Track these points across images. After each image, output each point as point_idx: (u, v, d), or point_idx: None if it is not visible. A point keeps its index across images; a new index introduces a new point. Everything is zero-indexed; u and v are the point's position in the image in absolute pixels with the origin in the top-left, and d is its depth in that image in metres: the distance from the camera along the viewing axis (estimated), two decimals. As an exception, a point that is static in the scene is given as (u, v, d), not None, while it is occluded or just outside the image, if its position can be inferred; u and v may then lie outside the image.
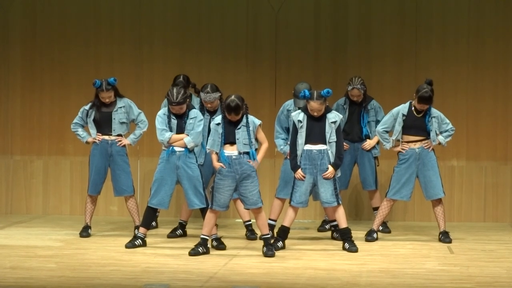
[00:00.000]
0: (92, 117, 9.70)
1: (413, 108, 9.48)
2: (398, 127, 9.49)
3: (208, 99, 9.60)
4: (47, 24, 11.75)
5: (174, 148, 9.00)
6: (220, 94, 9.64)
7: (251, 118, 8.68)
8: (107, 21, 11.71)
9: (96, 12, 11.73)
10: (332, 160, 8.86)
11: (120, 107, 9.70)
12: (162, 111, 9.11)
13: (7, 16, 11.79)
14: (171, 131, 9.01)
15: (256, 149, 8.66)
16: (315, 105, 8.82)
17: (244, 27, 11.55)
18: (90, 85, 11.57)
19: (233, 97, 8.59)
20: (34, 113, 11.80)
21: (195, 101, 10.05)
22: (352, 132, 10.26)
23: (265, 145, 8.71)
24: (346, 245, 8.92)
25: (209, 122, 9.43)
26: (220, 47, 11.57)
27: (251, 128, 8.62)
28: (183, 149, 9.02)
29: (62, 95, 11.70)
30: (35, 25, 11.77)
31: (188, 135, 9.02)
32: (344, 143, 9.47)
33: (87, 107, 9.76)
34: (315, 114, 8.85)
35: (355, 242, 8.96)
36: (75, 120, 9.80)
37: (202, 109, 9.70)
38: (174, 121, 9.01)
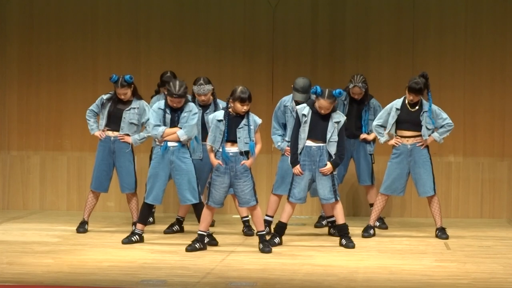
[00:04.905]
0: (107, 108, 9.63)
1: (407, 102, 9.46)
2: (392, 120, 9.45)
3: (201, 92, 9.51)
4: (44, 18, 11.72)
5: (168, 143, 8.97)
6: (212, 87, 9.57)
7: (253, 117, 8.61)
8: (104, 14, 11.68)
9: (93, 5, 11.70)
10: (332, 157, 8.83)
11: (133, 108, 9.60)
12: (157, 105, 9.01)
13: (4, 10, 11.75)
14: (164, 125, 8.96)
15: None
16: (324, 104, 8.75)
17: (242, 22, 11.52)
18: (87, 79, 11.65)
19: (242, 88, 8.52)
20: (31, 108, 11.78)
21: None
22: (350, 128, 10.24)
23: (258, 146, 8.63)
24: (343, 241, 8.91)
25: (202, 116, 9.40)
26: (218, 42, 11.55)
27: (252, 127, 8.57)
28: (176, 143, 8.99)
29: (59, 90, 11.68)
30: (32, 19, 11.74)
31: (181, 128, 8.98)
32: None
33: (105, 96, 9.67)
34: (323, 112, 8.80)
35: (352, 238, 8.96)
36: (91, 107, 9.68)
37: (194, 103, 9.64)
38: (168, 116, 8.95)
